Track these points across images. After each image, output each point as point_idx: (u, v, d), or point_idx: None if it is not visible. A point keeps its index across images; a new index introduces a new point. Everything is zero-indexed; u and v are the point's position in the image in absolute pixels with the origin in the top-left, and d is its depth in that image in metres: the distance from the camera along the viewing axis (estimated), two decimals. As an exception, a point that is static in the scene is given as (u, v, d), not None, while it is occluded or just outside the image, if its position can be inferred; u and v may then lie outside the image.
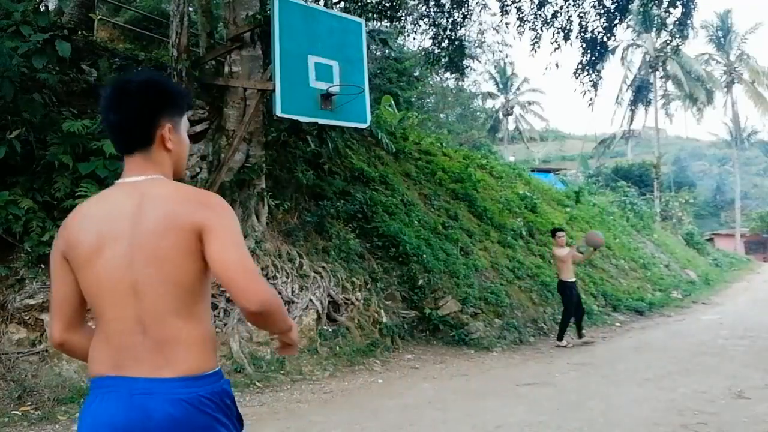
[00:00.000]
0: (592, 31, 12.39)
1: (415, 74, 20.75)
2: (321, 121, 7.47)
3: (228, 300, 6.64)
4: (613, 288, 13.72)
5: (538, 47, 13.08)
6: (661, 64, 34.86)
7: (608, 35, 12.39)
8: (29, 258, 5.79)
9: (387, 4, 12.06)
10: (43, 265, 5.85)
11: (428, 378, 6.79)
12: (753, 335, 9.60)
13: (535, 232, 13.90)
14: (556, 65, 13.85)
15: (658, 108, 40.07)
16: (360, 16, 9.52)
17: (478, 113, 35.13)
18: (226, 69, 7.75)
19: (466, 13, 13.26)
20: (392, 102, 15.39)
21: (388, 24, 14.24)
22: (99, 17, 11.05)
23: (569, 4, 12.38)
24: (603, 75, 13.34)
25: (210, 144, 7.56)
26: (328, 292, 7.56)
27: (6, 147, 5.71)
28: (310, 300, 7.26)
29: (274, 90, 6.65)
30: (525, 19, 12.72)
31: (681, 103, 40.22)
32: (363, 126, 8.13)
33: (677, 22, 12.14)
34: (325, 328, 7.38)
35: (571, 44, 12.71)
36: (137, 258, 1.43)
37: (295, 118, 7.15)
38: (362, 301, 7.94)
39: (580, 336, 9.12)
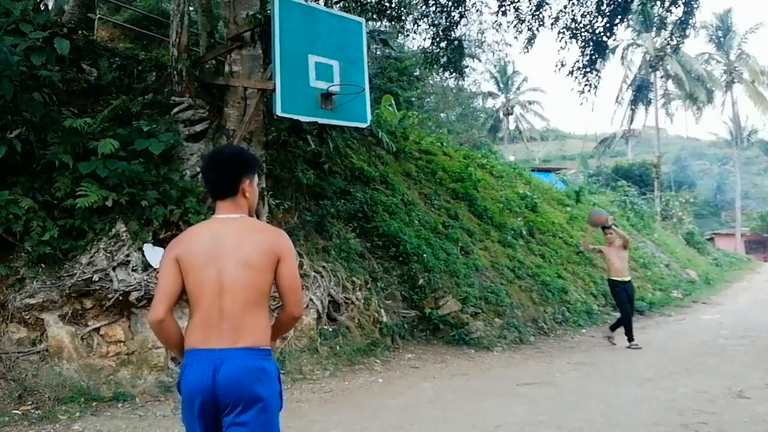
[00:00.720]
0: (593, 31, 12.37)
1: (415, 74, 20.74)
2: (321, 121, 7.46)
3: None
4: (614, 288, 13.70)
5: (531, 47, 13.06)
6: (661, 63, 34.86)
7: (608, 34, 12.37)
8: (29, 257, 5.78)
9: (387, 4, 12.05)
10: (43, 265, 5.86)
11: (428, 377, 6.79)
12: (753, 335, 9.60)
13: (536, 231, 13.90)
14: (562, 64, 13.74)
15: (658, 107, 40.08)
16: (360, 16, 9.51)
17: (478, 113, 35.12)
18: (227, 68, 7.74)
19: (463, 13, 13.24)
20: (392, 101, 15.38)
21: (388, 24, 14.23)
22: (99, 17, 11.04)
23: (572, 3, 12.37)
24: (602, 74, 13.27)
25: (210, 143, 7.55)
26: (329, 291, 7.56)
27: (6, 146, 5.70)
28: (311, 299, 7.26)
29: (274, 89, 6.65)
30: (523, 19, 12.71)
31: (681, 102, 40.23)
32: (363, 125, 8.12)
33: (679, 21, 12.11)
34: (326, 327, 7.38)
35: (576, 42, 12.68)
36: (228, 272, 2.14)
37: (295, 117, 7.15)
38: (362, 301, 7.94)
39: (612, 330, 9.08)
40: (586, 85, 12.81)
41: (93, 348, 5.75)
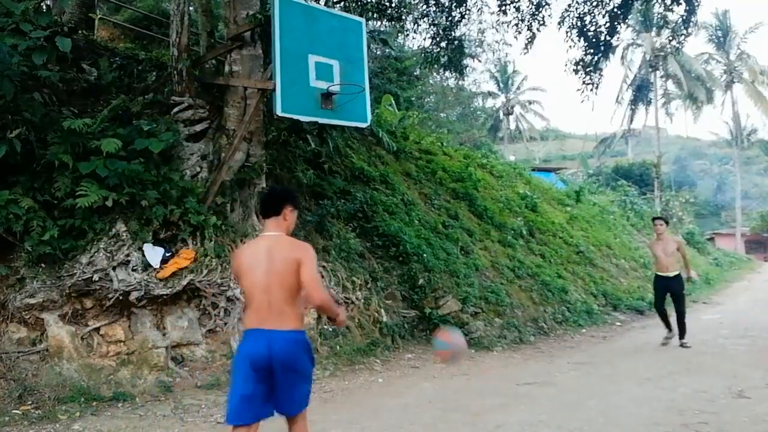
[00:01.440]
0: (595, 30, 12.36)
1: (415, 74, 20.74)
2: (321, 121, 7.46)
3: (228, 300, 6.64)
4: (614, 287, 13.72)
5: (531, 47, 13.05)
6: (661, 62, 34.86)
7: (611, 33, 12.35)
8: (30, 257, 5.79)
9: (387, 4, 12.04)
10: (43, 265, 5.86)
11: (428, 377, 6.79)
12: (753, 335, 9.59)
13: (536, 231, 13.90)
14: (574, 63, 13.69)
15: (658, 107, 40.04)
16: (360, 16, 9.51)
17: (478, 113, 35.12)
18: (227, 68, 7.74)
19: (463, 12, 13.24)
20: (392, 101, 15.38)
21: (388, 23, 14.22)
22: (99, 17, 11.04)
23: (576, 2, 12.36)
24: (603, 74, 13.18)
25: (210, 143, 7.55)
26: (329, 291, 7.56)
27: (6, 146, 5.70)
28: (311, 299, 7.26)
29: (274, 89, 6.65)
30: (523, 19, 12.71)
31: (681, 102, 40.21)
32: (363, 125, 8.12)
33: (681, 19, 12.09)
34: (326, 327, 7.38)
35: (582, 40, 12.66)
36: (269, 275, 3.04)
37: (295, 117, 7.15)
38: (362, 301, 7.94)
39: (681, 337, 8.51)
40: (588, 83, 12.82)
41: (93, 348, 5.76)
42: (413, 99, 20.61)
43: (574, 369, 7.29)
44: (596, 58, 12.53)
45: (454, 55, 13.21)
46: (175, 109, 7.39)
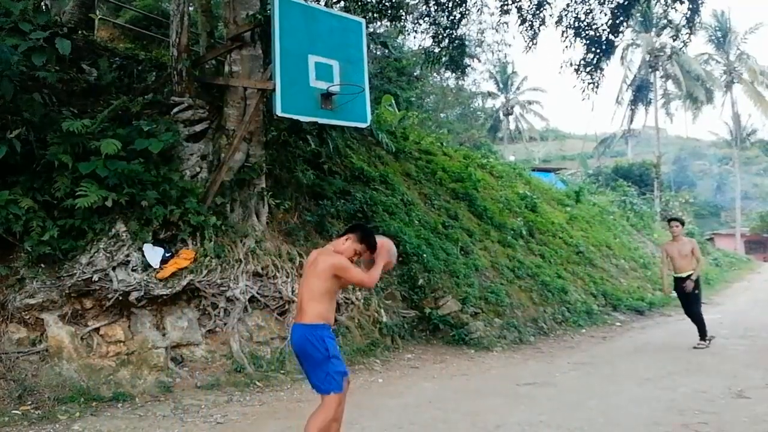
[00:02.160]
0: (596, 29, 12.36)
1: (415, 74, 20.73)
2: (321, 121, 7.46)
3: (228, 300, 6.64)
4: (614, 287, 13.72)
5: (533, 46, 13.05)
6: (662, 63, 34.87)
7: (614, 33, 12.35)
8: (29, 257, 5.78)
9: (387, 4, 12.05)
10: (43, 265, 5.86)
11: (428, 377, 6.79)
12: (753, 335, 9.60)
13: (536, 231, 13.90)
14: (570, 64, 13.69)
15: (658, 107, 40.09)
16: (360, 16, 9.51)
17: (478, 113, 35.13)
18: (227, 68, 7.74)
19: (464, 12, 13.24)
20: (392, 102, 15.38)
21: (389, 23, 14.23)
22: (99, 17, 11.04)
23: (575, 1, 12.36)
24: (605, 73, 13.18)
25: (210, 143, 7.55)
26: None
27: (6, 146, 5.69)
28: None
29: (274, 89, 6.65)
30: (525, 18, 12.71)
31: (681, 102, 40.24)
32: (363, 125, 8.12)
33: (684, 19, 12.07)
34: (326, 327, 7.37)
35: (581, 40, 12.66)
36: (310, 275, 3.57)
37: (295, 117, 7.14)
38: (362, 301, 7.94)
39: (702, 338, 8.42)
40: (589, 83, 12.82)
41: (93, 348, 5.75)
42: (413, 99, 20.61)
43: (574, 369, 7.29)
44: (598, 57, 12.52)
45: (455, 54, 13.21)
46: (175, 110, 7.39)
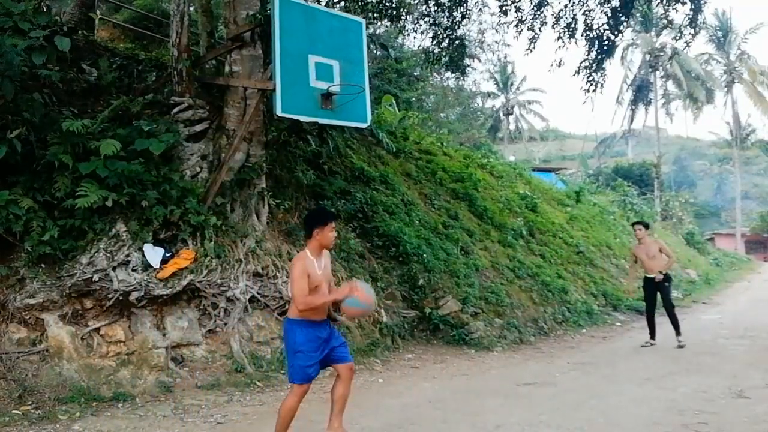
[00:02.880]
0: (597, 29, 12.36)
1: (415, 74, 20.73)
2: (321, 121, 7.46)
3: (228, 300, 6.64)
4: (614, 287, 13.71)
5: (534, 47, 13.06)
6: (662, 63, 34.86)
7: (615, 33, 12.35)
8: (29, 258, 5.78)
9: (387, 4, 12.05)
10: (43, 265, 5.86)
11: (428, 377, 6.79)
12: (753, 335, 9.60)
13: (536, 231, 13.90)
14: (559, 64, 13.76)
15: (658, 107, 40.08)
16: (360, 16, 9.51)
17: (478, 113, 35.13)
18: (227, 68, 7.74)
19: (465, 12, 13.24)
20: (393, 102, 15.37)
21: (389, 23, 14.23)
22: (99, 17, 11.04)
23: (573, 2, 12.36)
24: (606, 73, 13.23)
25: (210, 143, 7.55)
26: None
27: (6, 146, 5.69)
28: (311, 299, 7.25)
29: (274, 89, 6.64)
30: (523, 19, 12.71)
31: (681, 102, 40.23)
32: (363, 125, 8.12)
33: (686, 19, 12.07)
34: (326, 327, 7.36)
35: (576, 42, 12.67)
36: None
37: (295, 117, 7.14)
38: (362, 301, 7.92)
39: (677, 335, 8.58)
40: (591, 84, 12.81)
41: (93, 348, 5.75)
42: (413, 100, 20.62)
43: (574, 369, 7.29)
44: (599, 57, 12.52)
45: (455, 54, 13.21)
46: (175, 110, 7.39)
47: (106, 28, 12.44)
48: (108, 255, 6.03)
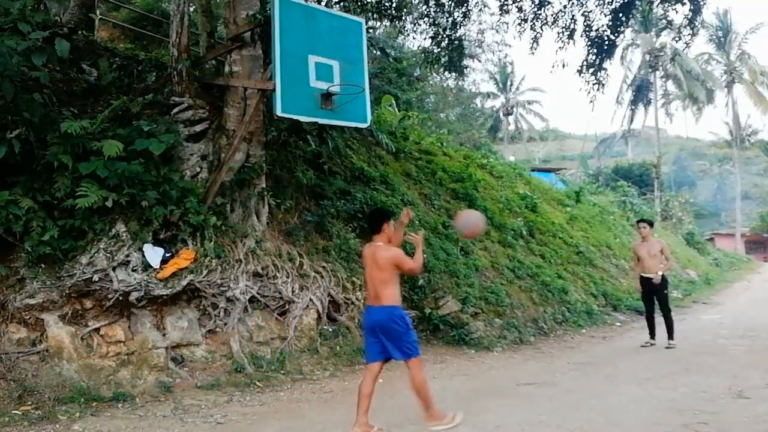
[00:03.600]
0: (597, 30, 12.36)
1: (415, 74, 20.72)
2: (321, 121, 7.46)
3: (228, 300, 6.64)
4: (614, 288, 13.72)
5: (537, 46, 13.05)
6: (662, 63, 34.85)
7: (615, 33, 12.34)
8: (29, 258, 5.78)
9: (387, 4, 12.05)
10: (43, 265, 5.85)
11: (428, 377, 6.76)
12: (753, 335, 9.60)
13: (536, 231, 13.89)
14: (562, 65, 13.75)
15: (658, 107, 40.07)
16: (360, 16, 9.51)
17: (478, 113, 35.13)
18: (227, 68, 7.75)
19: (465, 12, 13.24)
20: (393, 102, 15.37)
21: (388, 23, 14.23)
22: (99, 17, 11.03)
23: (572, 3, 12.36)
24: (609, 73, 13.21)
25: (210, 143, 7.56)
26: (329, 291, 7.56)
27: (6, 147, 5.69)
28: (311, 300, 7.26)
29: (274, 89, 6.65)
30: (525, 18, 12.71)
31: (681, 102, 40.24)
32: (363, 126, 8.13)
33: (685, 19, 12.07)
34: (326, 327, 7.38)
35: (574, 43, 12.67)
36: (374, 267, 4.51)
37: (295, 117, 7.15)
38: (362, 301, 7.93)
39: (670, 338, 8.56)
40: (594, 84, 12.80)
41: (93, 348, 5.75)
42: (413, 100, 20.61)
43: (574, 369, 7.29)
44: (600, 57, 12.52)
45: (454, 55, 13.21)
46: (175, 110, 7.39)
47: (106, 28, 12.44)
48: (108, 255, 6.03)
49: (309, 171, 9.21)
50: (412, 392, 4.58)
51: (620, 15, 12.12)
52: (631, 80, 39.05)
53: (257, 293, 6.90)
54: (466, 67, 16.62)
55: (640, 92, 39.22)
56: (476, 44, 23.91)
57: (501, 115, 47.71)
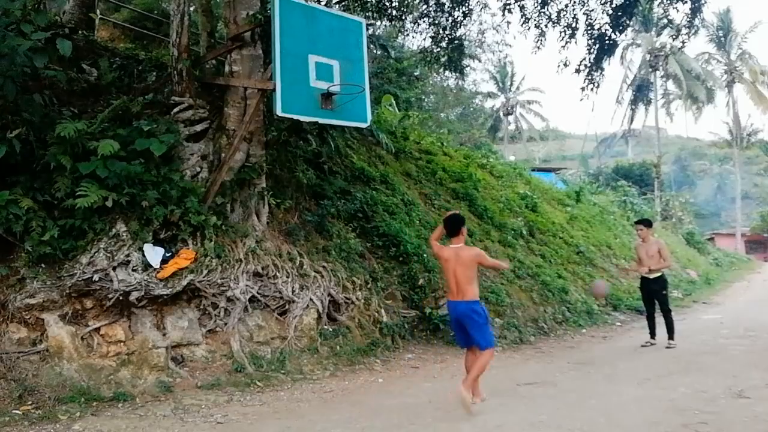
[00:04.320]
0: (599, 28, 12.35)
1: (415, 74, 20.72)
2: (321, 121, 7.46)
3: (228, 300, 6.64)
4: (614, 287, 13.71)
5: (543, 45, 13.05)
6: (662, 62, 34.85)
7: (617, 31, 12.34)
8: (30, 257, 5.78)
9: (387, 4, 12.04)
10: (43, 265, 5.86)
11: (428, 377, 6.79)
12: (753, 335, 9.59)
13: (536, 231, 13.90)
14: (566, 64, 13.65)
15: (658, 107, 40.06)
16: (360, 16, 9.51)
17: (478, 113, 35.13)
18: (227, 68, 7.75)
19: (466, 12, 13.23)
20: (393, 102, 15.37)
21: (388, 23, 14.22)
22: (99, 17, 11.03)
23: (574, 1, 12.36)
24: (605, 73, 13.23)
25: (210, 143, 7.56)
26: (329, 291, 7.56)
27: (6, 146, 5.70)
28: (311, 299, 7.26)
29: (274, 89, 6.65)
30: (529, 17, 12.71)
31: (681, 102, 40.22)
32: (363, 125, 8.12)
33: (685, 18, 12.07)
34: (326, 327, 7.38)
35: (576, 42, 12.66)
36: (458, 266, 5.18)
37: (295, 117, 7.14)
38: (363, 301, 7.94)
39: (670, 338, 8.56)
40: (590, 83, 12.81)
41: (93, 348, 5.76)
42: (413, 99, 20.61)
43: (574, 369, 7.29)
44: (600, 56, 12.51)
45: (454, 55, 13.20)
46: (175, 110, 7.39)
47: (106, 27, 12.43)
48: (108, 255, 6.03)
49: (309, 171, 9.22)
50: (472, 367, 5.13)
51: (621, 13, 12.12)
52: (632, 80, 39.05)
53: (257, 293, 6.90)
54: (467, 67, 16.61)
55: (641, 92, 39.23)
56: (476, 44, 23.91)
57: (501, 114, 47.71)
